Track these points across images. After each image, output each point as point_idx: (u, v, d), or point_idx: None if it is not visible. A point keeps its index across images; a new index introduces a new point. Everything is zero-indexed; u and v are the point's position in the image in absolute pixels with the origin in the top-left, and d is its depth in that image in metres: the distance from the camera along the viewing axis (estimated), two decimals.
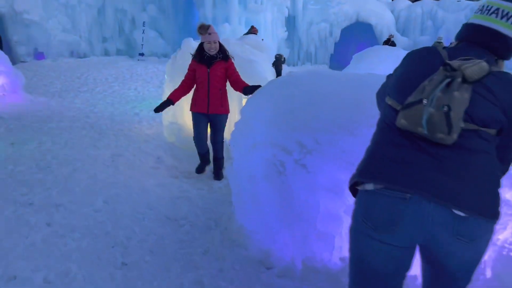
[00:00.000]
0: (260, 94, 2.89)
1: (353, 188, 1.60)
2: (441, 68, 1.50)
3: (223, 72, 4.49)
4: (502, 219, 2.49)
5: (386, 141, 1.53)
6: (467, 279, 1.54)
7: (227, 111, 4.59)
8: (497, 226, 2.51)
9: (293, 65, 21.11)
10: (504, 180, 2.46)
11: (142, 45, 19.07)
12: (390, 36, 18.13)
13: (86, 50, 18.30)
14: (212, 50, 4.43)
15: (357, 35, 21.67)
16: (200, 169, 4.84)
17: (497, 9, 1.58)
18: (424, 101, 1.43)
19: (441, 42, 16.40)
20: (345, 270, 2.45)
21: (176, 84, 5.71)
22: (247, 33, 13.35)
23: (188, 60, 4.80)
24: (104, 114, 7.80)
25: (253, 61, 5.40)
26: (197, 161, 5.10)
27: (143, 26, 19.26)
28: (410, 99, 1.47)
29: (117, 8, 19.35)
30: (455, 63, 1.50)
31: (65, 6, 17.82)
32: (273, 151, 2.52)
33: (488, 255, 2.52)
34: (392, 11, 23.67)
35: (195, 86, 4.61)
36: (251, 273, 2.61)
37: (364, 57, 8.67)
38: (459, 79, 1.45)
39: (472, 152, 1.44)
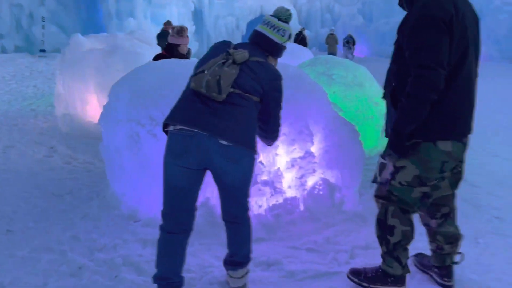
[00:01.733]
0: (122, 80, 3.46)
1: (166, 131, 2.26)
2: (224, 53, 2.24)
3: None
4: (308, 166, 3.33)
5: (184, 98, 2.24)
6: (243, 191, 2.26)
7: None
8: (307, 172, 3.34)
9: None
10: (306, 137, 3.30)
11: (42, 41, 18.35)
12: (301, 29, 19.25)
13: None
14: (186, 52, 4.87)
15: None
16: None
17: (269, 21, 2.39)
18: (205, 71, 2.14)
19: (334, 34, 17.95)
20: None
21: (67, 78, 6.04)
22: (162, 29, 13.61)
23: (78, 56, 5.14)
24: None
25: (140, 54, 5.91)
26: (91, 148, 5.47)
27: (43, 21, 18.52)
28: (199, 70, 2.18)
29: (12, 3, 18.36)
30: (231, 51, 2.24)
31: None
32: (130, 125, 3.12)
33: (301, 194, 3.36)
34: (295, 5, 25.13)
35: None
36: (121, 226, 3.20)
37: None
38: (231, 61, 2.19)
39: (236, 106, 2.16)
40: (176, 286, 2.19)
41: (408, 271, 2.44)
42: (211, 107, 2.14)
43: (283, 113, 3.17)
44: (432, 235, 2.50)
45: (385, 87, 2.50)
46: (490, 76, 13.86)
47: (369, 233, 3.20)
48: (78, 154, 5.46)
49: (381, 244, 2.42)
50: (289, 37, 2.48)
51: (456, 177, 2.37)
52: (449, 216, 2.44)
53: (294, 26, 22.95)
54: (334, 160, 3.47)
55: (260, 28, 2.42)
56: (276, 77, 2.33)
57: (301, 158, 3.28)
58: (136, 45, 6.18)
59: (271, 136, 2.52)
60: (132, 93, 3.23)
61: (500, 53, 18.03)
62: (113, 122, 3.30)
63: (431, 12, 2.00)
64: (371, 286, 2.42)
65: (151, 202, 3.24)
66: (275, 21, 2.39)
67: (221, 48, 2.33)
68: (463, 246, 2.98)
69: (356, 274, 2.49)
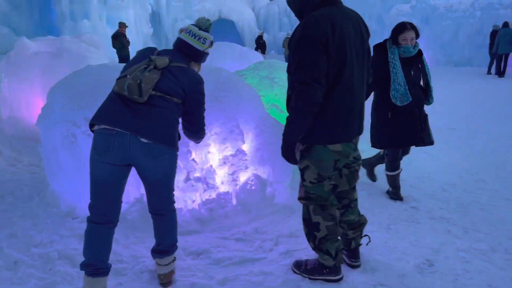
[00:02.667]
0: (59, 83, 3.59)
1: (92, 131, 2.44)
2: (147, 59, 2.45)
3: None
4: (240, 163, 3.58)
5: (108, 100, 2.42)
6: (165, 186, 2.47)
7: None
8: (238, 169, 3.58)
9: None
10: (237, 136, 3.51)
11: None
12: (261, 33, 19.49)
13: None
14: None
15: (221, 32, 22.97)
16: None
17: (190, 30, 2.62)
18: (128, 76, 2.33)
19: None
20: (129, 211, 3.31)
21: (13, 81, 6.03)
22: (117, 30, 13.53)
23: (24, 58, 5.15)
24: None
25: (87, 57, 5.99)
26: (37, 150, 5.49)
27: None
28: (122, 74, 2.38)
29: None
30: (153, 57, 2.45)
31: None
32: (67, 126, 3.26)
33: (234, 189, 3.60)
34: (253, 9, 25.51)
35: None
36: (59, 223, 3.33)
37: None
38: (152, 66, 2.40)
39: (157, 107, 2.36)
40: (101, 273, 2.37)
41: (341, 261, 2.67)
42: (133, 108, 2.33)
43: (214, 114, 3.43)
44: (338, 223, 2.80)
45: None
46: (434, 79, 14.70)
47: (295, 222, 3.50)
48: (23, 156, 5.47)
49: (309, 240, 2.66)
50: (211, 44, 2.70)
51: (353, 174, 2.68)
52: (349, 206, 2.74)
53: (253, 30, 23.36)
54: (265, 157, 3.74)
55: (182, 36, 2.64)
56: (197, 81, 2.54)
57: (232, 155, 3.53)
58: (83, 48, 6.25)
59: (196, 135, 2.74)
60: (68, 95, 3.38)
61: (445, 57, 19.09)
62: (50, 124, 3.43)
63: (309, 33, 2.21)
64: (310, 277, 2.67)
65: (89, 200, 3.39)
66: (196, 30, 2.62)
67: (145, 55, 2.55)
68: (376, 232, 3.34)
69: (298, 266, 2.75)
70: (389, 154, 4.08)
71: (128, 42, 14.78)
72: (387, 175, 4.18)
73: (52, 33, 16.36)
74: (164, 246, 2.59)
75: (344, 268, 2.75)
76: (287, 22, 25.61)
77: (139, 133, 2.29)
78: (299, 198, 2.64)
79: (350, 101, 2.39)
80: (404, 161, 5.55)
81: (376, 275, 2.72)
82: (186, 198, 3.38)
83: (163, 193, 2.50)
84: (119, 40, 13.14)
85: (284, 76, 5.94)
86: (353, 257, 2.81)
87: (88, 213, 2.39)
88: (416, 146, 3.93)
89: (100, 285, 2.36)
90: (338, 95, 2.33)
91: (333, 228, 2.57)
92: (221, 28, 22.99)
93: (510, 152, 5.83)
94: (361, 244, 2.83)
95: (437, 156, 5.72)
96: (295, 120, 2.31)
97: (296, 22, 27.62)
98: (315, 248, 2.64)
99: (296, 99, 2.27)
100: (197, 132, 2.71)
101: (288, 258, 2.96)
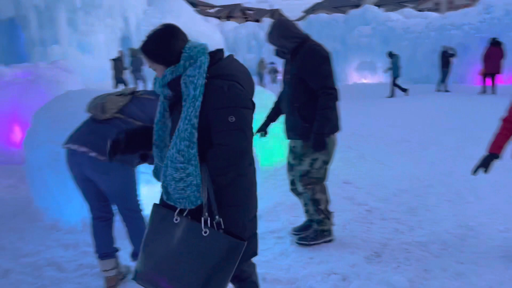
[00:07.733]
0: (43, 108, 3.92)
1: None
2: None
3: None
4: None
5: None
6: (120, 198, 2.72)
7: None
8: None
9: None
10: None
11: None
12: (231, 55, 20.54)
13: None
14: None
15: None
16: None
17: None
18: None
19: (263, 62, 19.09)
20: None
21: None
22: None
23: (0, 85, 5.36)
24: None
25: (62, 83, 6.29)
26: (15, 174, 5.68)
27: None
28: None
29: None
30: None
31: None
32: (51, 146, 3.58)
33: None
34: (221, 32, 26.22)
35: None
36: (44, 235, 3.61)
37: None
38: (120, 92, 2.81)
39: (115, 128, 2.58)
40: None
41: (332, 223, 3.52)
42: (92, 126, 2.73)
43: None
44: None
45: (289, 107, 3.27)
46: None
47: None
48: (1, 179, 5.67)
49: (319, 215, 3.40)
50: None
51: None
52: None
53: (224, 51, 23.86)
54: None
55: None
56: None
57: None
58: (59, 74, 6.54)
59: None
60: (52, 118, 3.71)
61: (405, 75, 20.19)
62: (35, 144, 3.73)
63: (322, 53, 3.10)
64: (316, 242, 3.42)
65: (72, 215, 3.70)
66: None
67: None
68: (335, 232, 3.75)
69: (303, 239, 3.43)
70: None
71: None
72: None
73: (19, 58, 16.40)
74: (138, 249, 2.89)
75: (297, 271, 3.12)
76: (256, 45, 26.43)
77: (90, 148, 2.57)
78: (305, 185, 3.32)
79: None
80: (361, 171, 6.06)
81: (329, 265, 3.14)
82: None
83: (121, 204, 2.74)
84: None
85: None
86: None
87: None
88: None
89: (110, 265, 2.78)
90: None
91: (327, 198, 3.43)
92: None
93: (457, 161, 6.43)
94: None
95: (391, 166, 6.25)
96: (329, 115, 3.09)
97: (263, 44, 28.23)
98: (325, 218, 3.41)
99: (328, 100, 3.07)
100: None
101: None
